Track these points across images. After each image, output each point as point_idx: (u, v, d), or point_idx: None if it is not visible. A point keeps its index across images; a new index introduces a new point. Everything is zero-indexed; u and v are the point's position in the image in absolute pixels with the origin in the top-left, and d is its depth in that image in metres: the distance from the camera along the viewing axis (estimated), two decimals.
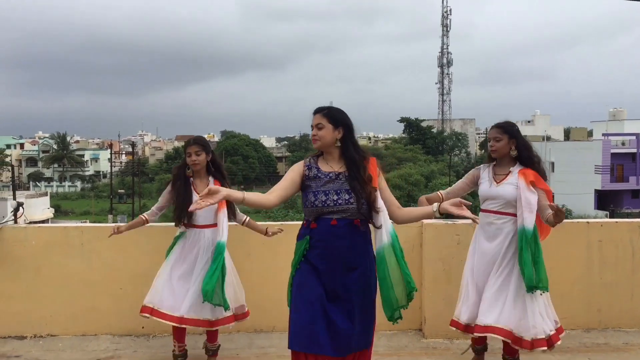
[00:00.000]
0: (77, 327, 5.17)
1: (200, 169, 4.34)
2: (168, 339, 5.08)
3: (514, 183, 4.05)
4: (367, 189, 3.22)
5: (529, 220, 3.97)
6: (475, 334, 4.10)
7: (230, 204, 4.34)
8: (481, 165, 4.34)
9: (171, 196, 4.39)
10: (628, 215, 40.19)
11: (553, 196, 4.16)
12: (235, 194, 3.05)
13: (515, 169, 4.10)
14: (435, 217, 3.30)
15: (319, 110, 3.33)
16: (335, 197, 3.20)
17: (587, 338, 5.10)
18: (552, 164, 52.38)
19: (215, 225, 4.27)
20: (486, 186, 4.15)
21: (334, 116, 3.29)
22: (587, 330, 5.24)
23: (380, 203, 3.28)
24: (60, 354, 4.84)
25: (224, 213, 4.25)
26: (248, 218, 4.57)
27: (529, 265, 3.94)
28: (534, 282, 3.93)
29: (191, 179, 4.37)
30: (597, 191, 48.56)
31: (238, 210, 4.53)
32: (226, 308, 4.15)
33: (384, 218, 3.27)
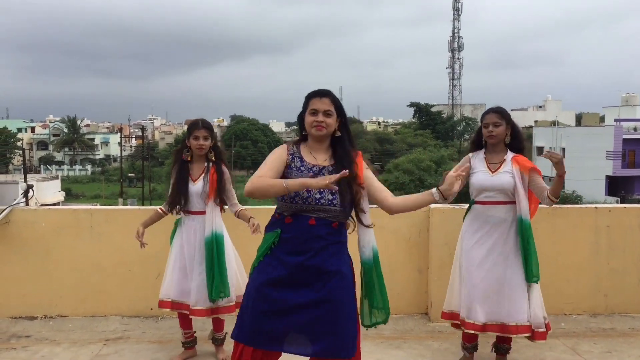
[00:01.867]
0: (87, 308, 5.24)
1: (202, 154, 4.22)
2: (176, 320, 5.10)
3: (510, 171, 3.95)
4: (354, 188, 2.94)
5: (526, 209, 3.91)
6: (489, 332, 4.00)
7: (221, 193, 4.18)
8: (470, 154, 4.16)
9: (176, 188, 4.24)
10: (639, 202, 39.89)
11: (543, 178, 4.09)
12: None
13: (508, 156, 4.01)
14: (442, 202, 3.02)
15: (325, 94, 2.98)
16: (317, 196, 2.88)
17: (594, 323, 5.10)
18: (563, 149, 52.03)
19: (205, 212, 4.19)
20: (482, 176, 3.99)
21: (339, 104, 3.01)
22: (594, 315, 5.25)
23: (365, 204, 3.03)
24: (70, 334, 4.91)
25: (212, 203, 4.14)
26: (241, 209, 4.25)
27: (536, 256, 3.90)
28: (537, 272, 3.91)
29: (189, 163, 4.24)
30: (608, 177, 48.20)
31: (234, 200, 4.31)
32: (226, 295, 4.10)
33: (367, 231, 3.04)
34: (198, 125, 4.20)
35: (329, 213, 2.90)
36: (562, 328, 4.98)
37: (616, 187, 47.92)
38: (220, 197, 4.20)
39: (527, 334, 3.94)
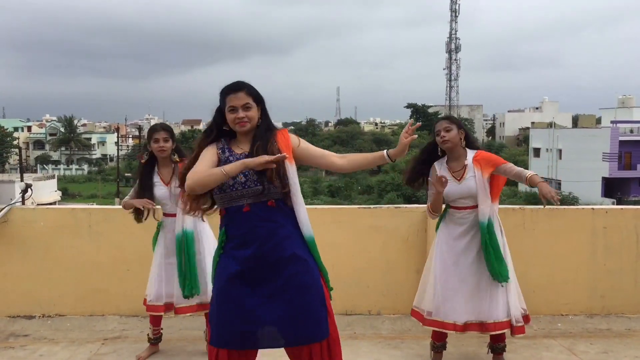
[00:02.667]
0: (85, 307, 5.24)
1: (165, 156, 4.28)
2: (175, 320, 5.14)
3: (473, 175, 4.00)
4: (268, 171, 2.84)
5: (485, 212, 3.97)
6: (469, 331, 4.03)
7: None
8: (434, 164, 4.15)
9: (139, 188, 4.31)
10: (635, 204, 40.00)
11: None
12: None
13: (469, 160, 4.04)
14: (390, 162, 3.06)
15: (239, 88, 2.94)
16: (243, 180, 2.86)
17: (590, 324, 5.13)
18: (560, 151, 52.17)
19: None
20: (450, 186, 3.97)
21: (256, 93, 2.98)
22: (590, 315, 5.27)
23: (291, 181, 2.92)
24: (68, 333, 4.91)
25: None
26: None
27: (500, 256, 3.96)
28: (504, 272, 3.95)
29: (155, 168, 4.31)
30: (604, 179, 48.34)
31: None
32: (197, 292, 4.16)
33: (300, 209, 2.95)
34: (157, 128, 4.32)
35: (258, 195, 2.87)
36: (559, 329, 5.01)
37: (612, 188, 48.06)
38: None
39: (506, 329, 4.00)
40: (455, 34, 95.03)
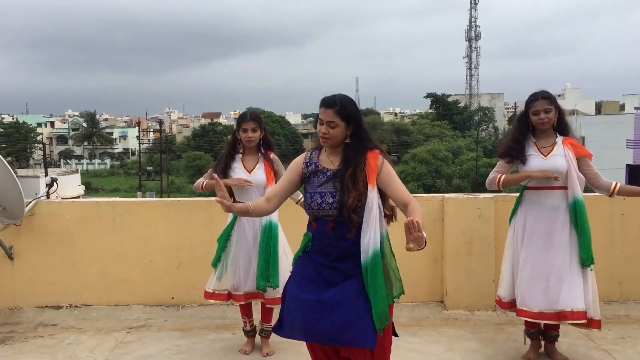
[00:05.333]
0: (110, 297, 5.39)
1: (252, 146, 4.28)
2: (197, 309, 5.28)
3: (563, 154, 3.91)
4: (352, 192, 2.88)
5: (579, 191, 3.89)
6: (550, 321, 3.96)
7: (276, 180, 4.19)
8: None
9: (215, 171, 4.24)
10: None
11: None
12: (241, 207, 3.01)
13: (559, 139, 3.98)
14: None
15: (330, 105, 2.97)
16: (319, 201, 2.95)
17: (608, 310, 5.14)
18: (583, 138, 51.37)
19: None
20: (536, 161, 3.92)
21: (346, 112, 2.96)
22: (608, 302, 5.28)
23: (371, 206, 2.89)
24: (95, 322, 5.06)
25: None
26: (302, 198, 4.35)
27: (590, 239, 3.88)
28: (592, 256, 3.89)
29: (240, 155, 4.30)
30: (628, 166, 47.51)
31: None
32: (274, 285, 4.10)
33: (374, 220, 2.90)
34: (246, 118, 4.26)
35: (332, 217, 2.93)
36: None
37: (637, 175, 47.27)
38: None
39: (583, 321, 3.88)
40: (475, 21, 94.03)
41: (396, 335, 3.10)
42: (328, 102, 2.98)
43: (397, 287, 2.98)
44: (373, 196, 2.91)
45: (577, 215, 3.88)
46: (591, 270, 3.93)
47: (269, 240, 4.13)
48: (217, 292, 4.30)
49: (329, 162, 3.03)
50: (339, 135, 2.98)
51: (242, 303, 4.29)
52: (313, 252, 3.02)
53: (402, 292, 3.02)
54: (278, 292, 4.14)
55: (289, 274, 3.25)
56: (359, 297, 2.88)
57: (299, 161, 3.11)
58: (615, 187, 3.96)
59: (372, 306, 2.87)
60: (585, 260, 3.87)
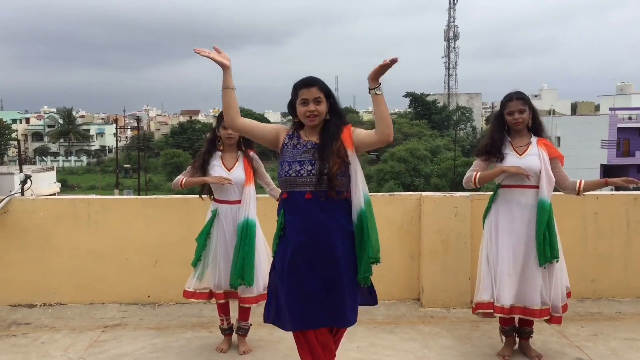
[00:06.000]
0: (85, 296, 5.33)
1: (232, 143, 4.28)
2: (174, 307, 5.24)
3: (537, 154, 4.00)
4: (333, 160, 3.04)
5: (548, 192, 3.97)
6: (520, 316, 4.05)
7: (259, 179, 4.31)
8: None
9: (194, 168, 4.29)
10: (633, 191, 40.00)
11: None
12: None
13: (534, 140, 4.07)
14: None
15: (312, 84, 3.11)
16: (309, 168, 3.07)
17: (581, 307, 5.22)
18: (559, 138, 52.17)
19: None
20: (512, 159, 4.01)
21: (326, 88, 3.14)
22: (582, 299, 5.36)
23: (355, 169, 3.11)
24: (69, 321, 5.00)
25: (250, 189, 4.18)
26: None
27: (556, 240, 3.98)
28: (554, 255, 3.96)
29: (220, 153, 4.30)
30: (603, 166, 48.43)
31: (274, 186, 4.34)
32: (247, 283, 4.06)
33: (357, 184, 3.12)
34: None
35: (309, 185, 3.07)
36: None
37: (611, 175, 47.90)
38: (256, 183, 4.28)
39: (547, 317, 4.01)
40: (454, 21, 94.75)
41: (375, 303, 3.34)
42: (309, 82, 3.13)
43: (376, 249, 3.15)
44: (355, 161, 3.13)
45: (544, 215, 3.95)
46: (552, 262, 3.98)
47: (245, 238, 4.11)
48: (198, 291, 4.27)
49: (307, 137, 3.18)
50: (324, 111, 3.12)
51: (222, 301, 4.28)
52: (291, 232, 3.11)
53: (378, 258, 3.17)
54: (252, 292, 4.18)
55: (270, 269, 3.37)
56: (343, 277, 3.10)
57: (282, 130, 3.25)
58: (580, 185, 4.09)
59: (358, 258, 3.13)
60: (551, 257, 3.94)
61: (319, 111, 3.10)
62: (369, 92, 2.96)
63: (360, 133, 3.17)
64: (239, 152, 4.31)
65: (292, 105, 3.20)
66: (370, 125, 3.32)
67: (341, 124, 3.16)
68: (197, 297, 4.29)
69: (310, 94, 3.10)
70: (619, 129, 48.68)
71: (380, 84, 2.95)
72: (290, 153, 3.15)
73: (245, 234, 4.11)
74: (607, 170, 48.42)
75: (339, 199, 3.11)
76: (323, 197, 3.07)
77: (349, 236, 3.15)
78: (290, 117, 3.28)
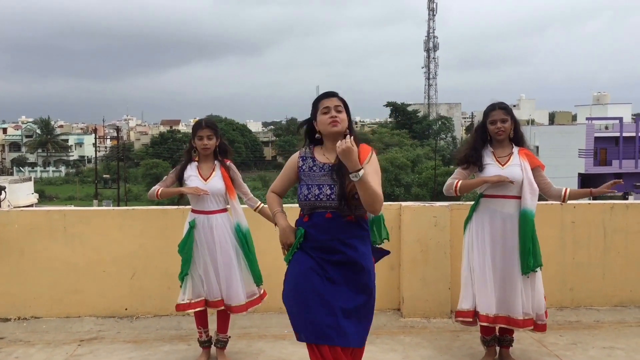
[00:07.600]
0: (61, 309, 5.23)
1: (208, 154, 4.27)
2: (152, 319, 5.17)
3: (519, 164, 4.04)
4: (348, 179, 2.99)
5: (532, 202, 4.00)
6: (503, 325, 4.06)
7: (237, 189, 4.31)
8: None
9: (174, 178, 4.30)
10: (610, 199, 40.54)
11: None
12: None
13: (515, 150, 4.11)
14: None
15: (332, 95, 3.19)
16: (328, 192, 3.08)
17: (560, 316, 5.25)
18: (537, 147, 52.74)
19: (225, 210, 4.25)
20: (493, 169, 4.03)
21: (345, 102, 3.20)
22: (560, 308, 5.40)
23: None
24: (44, 335, 4.91)
25: (232, 200, 4.24)
26: (262, 205, 4.33)
27: (537, 250, 4.01)
28: (537, 263, 4.00)
29: (196, 163, 4.29)
30: (580, 175, 49.03)
31: (251, 194, 4.41)
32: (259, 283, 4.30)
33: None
34: (201, 125, 4.24)
35: (331, 208, 3.08)
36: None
37: (588, 184, 48.66)
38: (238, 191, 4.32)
39: (531, 327, 4.04)
40: (434, 32, 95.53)
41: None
42: (329, 93, 3.21)
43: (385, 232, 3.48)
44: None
45: (527, 225, 3.98)
46: (536, 271, 4.01)
47: (246, 244, 4.25)
48: (193, 301, 4.22)
49: (325, 158, 3.18)
50: (345, 119, 3.15)
51: (221, 308, 4.25)
52: (309, 249, 3.12)
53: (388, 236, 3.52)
54: (242, 300, 4.21)
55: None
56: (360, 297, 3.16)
57: (294, 158, 3.28)
58: (565, 193, 4.15)
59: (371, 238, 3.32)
60: (535, 265, 3.98)
61: (340, 118, 3.13)
62: (350, 177, 2.91)
63: (372, 175, 3.14)
64: (215, 161, 4.30)
65: (309, 126, 3.26)
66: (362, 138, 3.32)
67: (358, 141, 3.10)
68: (194, 306, 4.24)
69: (332, 102, 3.16)
70: (596, 138, 49.34)
71: (361, 168, 2.87)
72: (308, 176, 3.17)
73: (246, 240, 4.25)
74: (585, 179, 49.04)
75: (356, 220, 3.12)
76: (344, 218, 3.10)
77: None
78: (302, 137, 3.31)
